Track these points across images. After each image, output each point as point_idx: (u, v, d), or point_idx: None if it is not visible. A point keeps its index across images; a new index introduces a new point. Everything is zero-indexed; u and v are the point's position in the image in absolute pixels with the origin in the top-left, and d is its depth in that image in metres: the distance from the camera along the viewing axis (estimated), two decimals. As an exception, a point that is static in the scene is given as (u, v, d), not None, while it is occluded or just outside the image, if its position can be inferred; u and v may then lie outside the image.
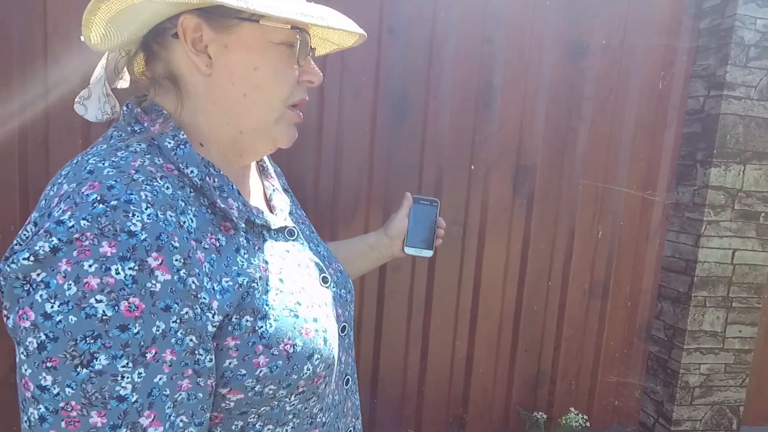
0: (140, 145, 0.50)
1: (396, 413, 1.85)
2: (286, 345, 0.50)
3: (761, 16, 1.75)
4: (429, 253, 0.90)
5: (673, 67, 1.86)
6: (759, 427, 2.05)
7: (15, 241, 0.42)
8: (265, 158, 0.70)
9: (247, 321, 0.48)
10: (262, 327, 0.49)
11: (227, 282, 0.47)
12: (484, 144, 1.78)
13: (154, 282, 0.41)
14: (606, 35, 1.80)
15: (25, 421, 0.41)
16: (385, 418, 1.84)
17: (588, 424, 1.88)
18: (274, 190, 0.66)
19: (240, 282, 0.48)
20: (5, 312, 0.41)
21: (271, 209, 0.63)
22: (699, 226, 1.83)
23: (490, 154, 1.79)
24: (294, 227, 0.62)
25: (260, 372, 0.48)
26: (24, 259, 0.39)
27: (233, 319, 0.47)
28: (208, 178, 0.51)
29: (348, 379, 0.66)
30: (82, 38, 0.51)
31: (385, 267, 1.75)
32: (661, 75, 1.85)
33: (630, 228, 1.91)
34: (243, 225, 0.53)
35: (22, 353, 0.40)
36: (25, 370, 0.40)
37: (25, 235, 0.43)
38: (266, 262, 0.54)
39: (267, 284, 0.51)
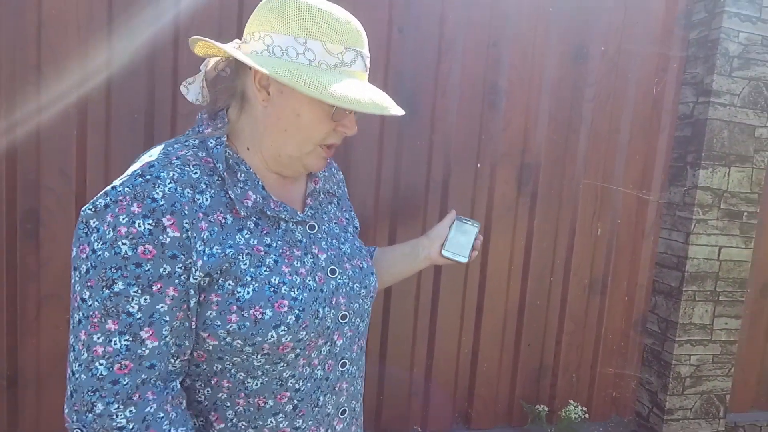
0: (194, 141, 0.67)
1: (403, 410, 1.86)
2: (256, 311, 0.61)
3: (744, 30, 1.88)
4: (464, 260, 0.95)
5: (666, 74, 1.97)
6: (743, 414, 2.17)
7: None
8: None
9: (228, 284, 0.61)
10: (239, 292, 0.61)
11: (217, 250, 0.61)
12: (489, 143, 1.83)
13: (165, 236, 0.57)
14: (605, 42, 1.89)
15: (71, 322, 0.59)
16: (392, 415, 1.84)
17: (587, 415, 1.94)
18: (313, 189, 0.78)
19: (227, 252, 0.61)
20: (73, 244, 0.59)
21: (305, 205, 0.75)
22: (689, 224, 1.93)
23: (496, 152, 1.84)
24: (315, 223, 0.73)
25: (230, 327, 0.61)
26: (89, 209, 0.57)
27: (219, 281, 0.61)
28: (233, 173, 0.66)
29: (345, 362, 0.75)
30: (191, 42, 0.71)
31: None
32: (655, 81, 1.96)
33: (627, 226, 2.00)
34: (247, 213, 0.65)
35: (76, 275, 0.58)
36: (76, 286, 0.58)
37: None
38: (267, 245, 0.65)
39: (258, 261, 0.64)
